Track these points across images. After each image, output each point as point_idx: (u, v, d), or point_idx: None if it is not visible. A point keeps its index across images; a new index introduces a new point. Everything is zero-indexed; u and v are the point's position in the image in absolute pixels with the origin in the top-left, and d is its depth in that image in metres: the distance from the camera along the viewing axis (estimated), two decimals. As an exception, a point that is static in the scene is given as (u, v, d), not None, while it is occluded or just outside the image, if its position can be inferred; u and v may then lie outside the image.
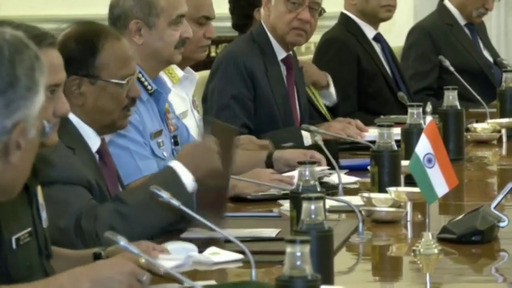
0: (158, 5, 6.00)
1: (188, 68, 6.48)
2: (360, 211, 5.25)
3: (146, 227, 4.78)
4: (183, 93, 6.36)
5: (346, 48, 8.09)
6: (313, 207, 4.26)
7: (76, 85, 5.10)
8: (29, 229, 4.25)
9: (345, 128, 7.04)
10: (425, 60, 8.37)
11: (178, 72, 6.01)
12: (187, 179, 3.53)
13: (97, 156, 5.16)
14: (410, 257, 4.93)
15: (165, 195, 3.28)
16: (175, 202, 3.26)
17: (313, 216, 4.25)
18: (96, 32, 5.34)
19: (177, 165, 3.55)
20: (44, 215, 4.40)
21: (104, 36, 5.26)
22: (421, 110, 6.27)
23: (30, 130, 3.31)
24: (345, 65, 8.05)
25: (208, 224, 4.73)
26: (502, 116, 7.22)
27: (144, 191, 4.80)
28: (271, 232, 4.99)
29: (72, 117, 5.00)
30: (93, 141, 4.63)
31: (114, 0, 6.13)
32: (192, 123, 6.26)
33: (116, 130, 5.30)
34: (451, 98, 6.64)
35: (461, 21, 8.72)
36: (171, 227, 4.84)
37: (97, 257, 4.42)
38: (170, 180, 3.49)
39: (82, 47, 5.21)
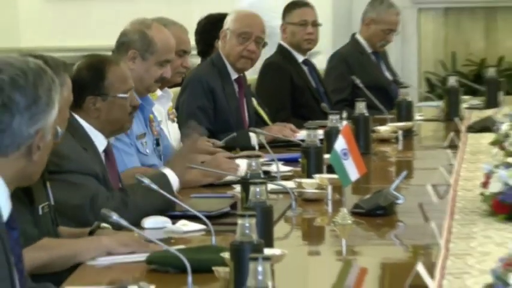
0: (155, 46, 6.03)
1: (166, 88, 6.47)
2: (293, 192, 5.30)
3: (142, 214, 4.84)
4: (160, 107, 6.36)
5: (281, 70, 8.09)
6: (258, 189, 4.32)
7: (92, 103, 5.19)
8: (47, 203, 4.34)
9: (282, 130, 7.08)
10: (342, 79, 8.36)
11: (157, 91, 6.01)
12: (175, 182, 3.45)
13: (103, 155, 5.23)
14: (330, 226, 5.00)
15: (146, 180, 3.23)
16: (154, 186, 3.22)
17: (258, 196, 4.31)
18: (101, 61, 5.42)
19: (169, 172, 3.45)
20: (51, 194, 4.52)
21: (108, 64, 5.36)
22: (338, 116, 6.30)
23: (47, 135, 3.40)
24: (281, 82, 8.03)
25: (182, 204, 4.81)
26: (398, 121, 7.26)
27: (141, 188, 4.86)
28: (226, 207, 5.05)
29: (84, 124, 5.15)
30: (101, 143, 4.77)
31: (126, 30, 6.17)
32: (165, 129, 6.27)
33: (122, 132, 5.49)
34: (361, 107, 6.68)
35: (369, 50, 8.72)
36: (161, 213, 4.88)
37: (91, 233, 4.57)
38: (162, 181, 3.40)
39: (93, 74, 5.28)
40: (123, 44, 6.15)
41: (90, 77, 5.26)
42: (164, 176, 3.74)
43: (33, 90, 3.35)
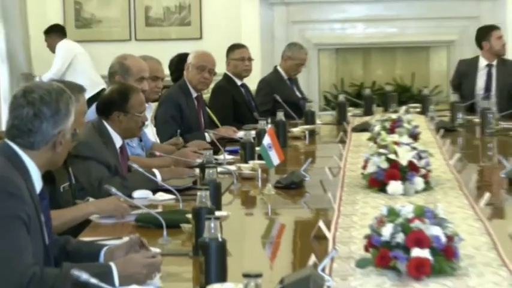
0: (131, 70, 5.94)
1: (149, 103, 6.40)
2: (235, 173, 5.28)
3: (134, 190, 4.84)
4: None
5: (226, 91, 8.02)
6: (211, 171, 4.30)
7: (117, 116, 5.15)
8: (68, 183, 4.29)
9: (227, 131, 7.03)
10: (267, 97, 8.29)
11: None
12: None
13: (119, 150, 5.18)
14: (260, 196, 4.95)
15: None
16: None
17: (211, 176, 4.27)
18: (127, 88, 5.40)
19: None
20: (72, 176, 4.50)
21: (132, 91, 5.31)
22: (265, 122, 6.28)
23: (66, 135, 3.37)
24: (226, 99, 7.97)
25: (160, 183, 4.77)
26: (306, 124, 7.23)
27: (135, 174, 4.96)
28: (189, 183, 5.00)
29: (109, 128, 5.16)
30: (118, 142, 4.66)
31: (112, 64, 6.10)
32: (147, 130, 6.21)
33: (133, 137, 5.53)
34: (280, 115, 6.65)
35: (285, 77, 8.69)
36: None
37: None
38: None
39: (121, 96, 5.25)
40: (111, 73, 6.09)
41: (118, 98, 5.25)
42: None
43: (55, 104, 3.32)
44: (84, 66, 9.81)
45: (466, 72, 8.65)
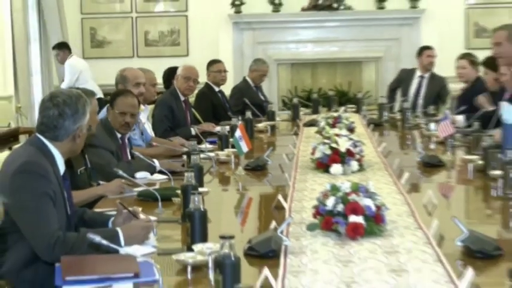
0: (127, 78, 5.90)
1: (146, 105, 6.35)
2: (214, 159, 5.25)
3: (136, 171, 4.76)
4: (144, 115, 6.24)
5: (206, 96, 7.96)
6: (195, 157, 4.28)
7: (110, 109, 5.11)
8: (84, 167, 4.26)
9: (208, 126, 6.99)
10: (238, 100, 8.25)
11: (141, 106, 5.86)
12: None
13: (120, 141, 5.12)
14: (233, 176, 4.94)
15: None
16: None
17: (195, 161, 4.25)
18: (120, 91, 5.35)
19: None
20: (88, 161, 4.47)
21: (121, 94, 5.21)
22: (237, 119, 6.27)
23: (83, 129, 3.39)
24: (207, 102, 7.93)
25: (158, 167, 4.73)
26: (268, 121, 7.20)
27: (138, 161, 4.92)
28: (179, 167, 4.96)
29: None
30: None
31: (116, 76, 6.05)
32: (146, 126, 6.18)
33: (119, 133, 5.16)
34: (248, 114, 6.65)
35: (252, 84, 8.65)
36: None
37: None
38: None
39: (113, 96, 5.23)
40: (116, 83, 6.02)
41: (111, 97, 5.22)
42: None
43: (75, 106, 3.32)
44: (87, 78, 9.70)
45: (405, 79, 8.65)
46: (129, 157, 5.14)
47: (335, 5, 10.67)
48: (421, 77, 8.52)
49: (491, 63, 6.49)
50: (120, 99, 5.10)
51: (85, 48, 11.17)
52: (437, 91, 8.39)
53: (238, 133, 5.27)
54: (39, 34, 10.60)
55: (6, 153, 4.58)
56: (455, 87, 8.23)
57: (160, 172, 4.72)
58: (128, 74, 6.02)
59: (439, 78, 8.49)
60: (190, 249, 2.97)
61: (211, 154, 5.44)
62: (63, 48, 10.08)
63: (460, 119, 6.59)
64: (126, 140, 5.22)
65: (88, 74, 9.95)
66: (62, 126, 3.29)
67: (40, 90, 10.49)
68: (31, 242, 3.11)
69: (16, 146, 4.39)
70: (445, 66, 8.39)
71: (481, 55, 7.45)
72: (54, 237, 3.04)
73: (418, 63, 8.60)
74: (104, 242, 2.84)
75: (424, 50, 8.63)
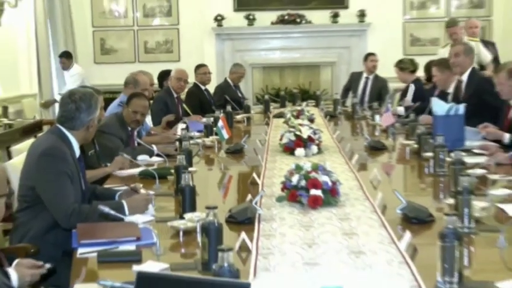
0: (139, 82, 5.87)
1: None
2: (200, 144, 5.21)
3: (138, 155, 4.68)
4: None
5: (195, 94, 7.93)
6: (185, 143, 4.23)
7: (126, 107, 5.00)
8: (93, 150, 4.22)
9: (196, 118, 6.88)
10: (220, 96, 8.17)
11: None
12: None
13: (130, 133, 5.01)
14: (217, 158, 4.92)
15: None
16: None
17: (186, 146, 4.22)
18: (135, 94, 5.18)
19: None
20: (97, 145, 4.39)
21: (136, 96, 5.09)
22: (219, 112, 6.22)
23: (95, 120, 3.35)
24: (195, 99, 7.86)
25: (156, 151, 4.68)
26: (244, 113, 7.16)
27: (141, 147, 4.79)
28: (173, 151, 4.91)
29: (125, 117, 4.93)
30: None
31: (127, 77, 6.01)
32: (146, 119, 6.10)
33: (131, 127, 5.03)
34: (228, 108, 6.59)
35: (232, 84, 8.59)
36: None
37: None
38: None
39: (129, 97, 5.10)
40: (126, 83, 5.94)
41: (128, 97, 5.10)
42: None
43: (89, 102, 3.29)
44: (85, 82, 9.49)
45: (354, 80, 8.67)
46: (136, 143, 5.07)
47: (298, 20, 10.63)
48: (367, 78, 8.53)
49: (428, 68, 6.93)
50: (135, 100, 5.02)
51: (96, 55, 11.05)
52: (379, 89, 8.41)
53: (220, 123, 5.26)
54: (57, 43, 10.44)
55: (31, 140, 4.54)
56: (396, 85, 8.34)
57: (158, 155, 4.68)
58: (140, 79, 6.01)
59: (381, 79, 8.51)
60: (182, 218, 2.95)
61: (199, 140, 5.40)
62: (67, 56, 9.97)
63: (401, 109, 6.77)
64: (136, 133, 5.14)
65: (85, 78, 9.83)
66: (78, 118, 3.27)
67: (57, 89, 10.36)
68: (52, 212, 3.11)
69: (40, 134, 4.36)
70: (387, 69, 8.41)
71: (417, 59, 7.79)
72: (71, 209, 3.04)
73: (364, 67, 8.61)
74: (112, 212, 2.91)
75: (368, 56, 8.64)
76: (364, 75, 8.56)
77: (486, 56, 7.98)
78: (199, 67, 8.26)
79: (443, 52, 7.51)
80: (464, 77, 5.66)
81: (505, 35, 10.19)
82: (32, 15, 9.84)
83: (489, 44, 8.52)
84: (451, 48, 6.03)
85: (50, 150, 3.16)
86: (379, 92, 8.37)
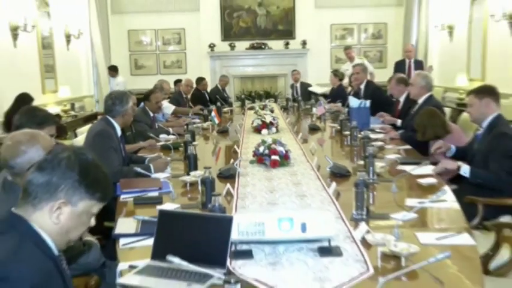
0: (164, 88, 5.70)
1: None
2: (200, 127, 5.10)
3: None
4: (165, 104, 6.01)
5: (198, 96, 7.76)
6: (191, 126, 4.13)
7: (148, 101, 4.72)
8: (130, 132, 4.12)
9: (198, 109, 6.75)
10: (214, 96, 8.03)
11: (165, 101, 5.59)
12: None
13: (152, 119, 4.82)
14: (211, 135, 4.80)
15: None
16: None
17: (191, 128, 4.12)
18: (151, 90, 4.92)
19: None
20: (133, 128, 4.25)
21: (153, 93, 4.85)
22: (213, 106, 6.08)
23: (130, 111, 3.36)
24: (197, 99, 7.72)
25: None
26: (229, 107, 7.01)
27: (160, 129, 4.64)
28: (182, 131, 4.77)
29: (147, 109, 4.67)
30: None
31: (156, 83, 5.81)
32: (167, 111, 5.91)
33: (155, 113, 4.81)
34: (219, 103, 6.44)
35: (221, 88, 8.42)
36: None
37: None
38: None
39: (148, 92, 4.83)
40: (154, 87, 5.58)
41: (148, 93, 4.82)
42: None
43: (121, 98, 3.21)
44: (126, 88, 9.22)
45: (292, 86, 8.65)
46: (156, 127, 4.96)
47: (263, 46, 10.55)
48: (293, 85, 8.60)
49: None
50: (153, 95, 4.85)
51: (132, 70, 10.90)
52: (306, 91, 8.41)
53: (213, 113, 5.19)
54: (107, 61, 10.15)
55: (89, 125, 4.43)
56: (321, 89, 8.31)
57: (173, 134, 4.59)
58: (165, 86, 5.96)
59: (306, 84, 8.56)
60: (188, 174, 2.90)
61: (199, 124, 5.30)
62: (114, 70, 9.78)
63: (331, 104, 6.61)
64: (157, 118, 5.01)
65: (126, 84, 9.50)
66: (114, 109, 3.21)
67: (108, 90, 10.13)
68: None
69: (95, 121, 4.25)
70: (321, 78, 8.40)
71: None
72: (116, 169, 3.00)
73: (291, 78, 8.65)
74: (142, 171, 2.89)
75: (292, 72, 8.70)
76: (292, 83, 8.69)
77: (370, 68, 7.88)
78: (200, 80, 8.14)
79: (345, 66, 7.98)
80: (362, 86, 5.68)
81: (394, 57, 10.24)
82: (89, 43, 9.69)
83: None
84: (353, 68, 6.04)
85: (101, 132, 3.14)
86: (306, 91, 8.37)
